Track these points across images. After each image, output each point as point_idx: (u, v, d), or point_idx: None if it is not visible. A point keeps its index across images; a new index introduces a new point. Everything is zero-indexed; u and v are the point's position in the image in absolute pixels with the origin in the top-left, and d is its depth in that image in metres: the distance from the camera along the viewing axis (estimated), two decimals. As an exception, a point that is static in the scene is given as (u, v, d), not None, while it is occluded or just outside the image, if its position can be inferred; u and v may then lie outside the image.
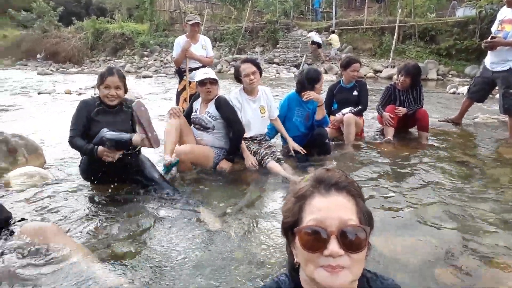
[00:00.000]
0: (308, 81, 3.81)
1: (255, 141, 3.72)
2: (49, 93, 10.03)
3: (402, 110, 4.47)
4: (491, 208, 2.65)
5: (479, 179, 3.25)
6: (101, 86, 2.88)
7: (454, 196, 2.86)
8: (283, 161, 3.59)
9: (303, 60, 16.52)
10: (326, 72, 15.61)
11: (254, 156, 3.56)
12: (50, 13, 24.53)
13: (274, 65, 17.13)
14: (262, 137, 3.80)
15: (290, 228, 0.92)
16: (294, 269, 0.95)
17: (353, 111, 4.38)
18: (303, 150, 3.83)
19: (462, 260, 2.00)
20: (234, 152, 3.55)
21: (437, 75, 13.96)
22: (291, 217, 0.92)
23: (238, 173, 3.45)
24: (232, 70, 17.10)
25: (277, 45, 18.87)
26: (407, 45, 16.22)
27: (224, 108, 3.45)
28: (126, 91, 3.02)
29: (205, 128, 3.52)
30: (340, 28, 18.44)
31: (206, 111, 3.51)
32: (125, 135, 2.66)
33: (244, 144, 3.56)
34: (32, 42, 24.00)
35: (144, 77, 15.51)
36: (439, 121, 5.53)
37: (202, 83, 3.42)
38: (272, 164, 3.43)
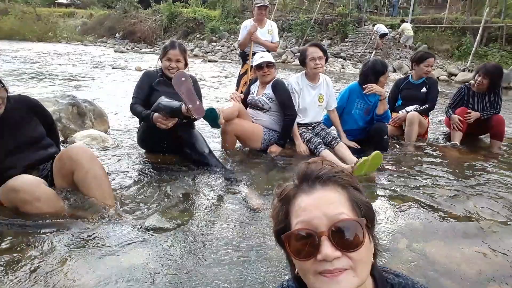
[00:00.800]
0: (373, 72, 3.60)
1: (309, 128, 3.65)
2: (122, 69, 10.74)
3: (474, 115, 4.07)
4: None
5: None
6: (163, 59, 3.01)
7: None
8: (338, 140, 3.54)
9: (372, 56, 15.82)
10: (394, 71, 14.86)
11: (307, 144, 3.48)
12: (132, -6, 26.06)
13: (340, 60, 16.66)
14: (317, 124, 3.72)
15: (281, 238, 0.80)
16: (297, 280, 0.82)
17: (418, 109, 4.09)
18: (356, 145, 3.69)
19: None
20: (285, 137, 3.52)
21: (523, 84, 12.61)
22: (279, 224, 0.81)
23: (288, 159, 3.40)
24: (297, 61, 16.98)
25: (346, 39, 18.26)
26: (491, 48, 14.80)
27: (280, 91, 3.45)
28: (186, 64, 3.11)
29: (261, 109, 3.54)
30: (416, 25, 17.35)
31: (263, 93, 3.52)
32: (176, 103, 2.70)
33: (297, 131, 3.50)
34: (113, 22, 25.78)
35: (210, 61, 15.95)
36: (517, 131, 4.99)
37: (259, 66, 3.46)
38: (325, 153, 3.33)
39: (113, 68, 10.88)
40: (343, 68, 15.33)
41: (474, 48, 14.60)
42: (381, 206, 2.53)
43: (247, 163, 3.26)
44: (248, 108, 3.65)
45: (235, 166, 3.17)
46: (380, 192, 2.81)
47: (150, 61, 14.11)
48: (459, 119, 4.07)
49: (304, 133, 3.54)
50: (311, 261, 0.72)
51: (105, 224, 2.00)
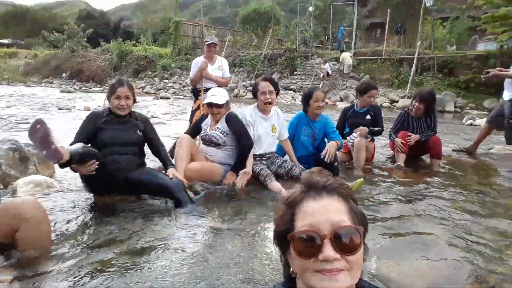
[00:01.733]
0: (303, 98, 3.98)
1: (264, 159, 3.72)
2: (69, 109, 10.37)
3: (414, 138, 4.39)
4: (503, 236, 2.53)
5: (490, 208, 3.13)
6: (112, 97, 2.96)
7: (463, 223, 2.75)
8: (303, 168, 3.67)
9: (320, 87, 16.61)
10: (341, 100, 15.68)
11: (258, 176, 3.52)
12: (80, 35, 25.73)
13: (290, 92, 17.34)
14: (272, 154, 3.80)
15: (283, 237, 0.89)
16: (290, 280, 0.93)
17: (368, 137, 4.33)
18: None
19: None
20: (241, 165, 3.49)
21: (455, 107, 13.81)
22: (283, 225, 0.90)
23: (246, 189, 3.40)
24: (249, 95, 17.42)
25: (295, 72, 19.14)
26: (425, 76, 16.18)
27: (234, 122, 3.49)
28: (135, 101, 3.08)
29: (216, 145, 3.54)
30: (359, 58, 18.62)
31: (216, 127, 3.54)
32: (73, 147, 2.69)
33: (249, 162, 3.52)
34: (59, 61, 25.16)
35: (162, 98, 15.91)
36: (453, 150, 5.42)
37: (209, 105, 3.51)
38: (272, 185, 3.36)
39: (59, 109, 10.46)
40: (293, 99, 15.93)
41: (411, 77, 15.90)
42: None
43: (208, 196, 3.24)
44: (201, 145, 3.67)
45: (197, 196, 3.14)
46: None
47: (99, 100, 13.79)
48: (401, 142, 4.36)
49: (255, 166, 3.57)
50: (312, 260, 0.82)
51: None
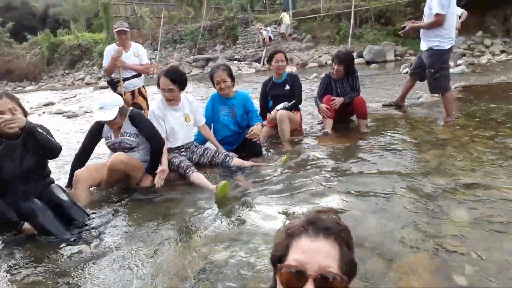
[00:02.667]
0: (210, 77, 3.86)
1: (182, 150, 3.56)
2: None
3: (338, 101, 4.36)
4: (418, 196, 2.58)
5: (409, 165, 3.19)
6: None
7: (391, 182, 2.82)
8: (231, 156, 3.56)
9: (264, 54, 16.38)
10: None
11: (178, 170, 3.37)
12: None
13: (235, 62, 16.94)
14: (190, 144, 3.64)
15: (276, 261, 0.96)
16: None
17: (287, 106, 4.25)
18: (234, 155, 3.69)
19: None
20: (155, 166, 3.31)
21: (395, 55, 14.08)
22: (279, 252, 0.96)
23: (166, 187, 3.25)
24: (194, 71, 16.87)
25: (237, 41, 18.66)
26: (364, 29, 16.29)
27: (141, 124, 3.24)
28: (26, 113, 2.69)
29: (129, 149, 3.27)
30: (298, 18, 18.38)
31: (123, 132, 3.26)
32: None
33: (164, 159, 3.31)
34: (-17, 63, 22.95)
35: (102, 87, 15.01)
36: (382, 105, 5.49)
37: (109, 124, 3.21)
38: (194, 177, 3.22)
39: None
40: (239, 70, 15.59)
41: (351, 31, 15.96)
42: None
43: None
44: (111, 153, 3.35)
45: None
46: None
47: (34, 100, 12.80)
48: (326, 107, 4.32)
49: (173, 159, 3.41)
50: None
51: None
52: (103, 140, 3.38)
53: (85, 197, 3.00)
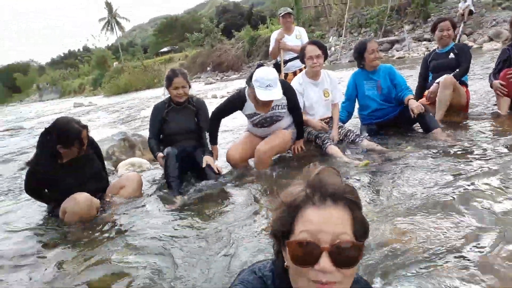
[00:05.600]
0: (356, 54, 3.69)
1: (320, 124, 3.64)
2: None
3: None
4: None
5: None
6: (170, 88, 3.39)
7: None
8: (362, 137, 3.48)
9: (460, 30, 14.09)
10: (490, 40, 13.02)
11: (315, 140, 3.49)
12: (215, 30, 28.38)
13: (424, 42, 15.26)
14: (329, 119, 3.70)
15: (280, 236, 0.88)
16: (283, 271, 0.90)
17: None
18: (336, 139, 3.55)
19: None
20: (302, 132, 3.51)
21: None
22: (282, 226, 0.87)
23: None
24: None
25: (428, 19, 16.68)
26: None
27: (291, 91, 3.30)
28: (190, 86, 3.46)
29: (278, 121, 3.34)
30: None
31: (274, 106, 3.23)
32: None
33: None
34: (203, 58, 28.34)
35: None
36: None
37: (266, 102, 3.13)
38: (331, 149, 3.30)
39: (195, 99, 11.99)
40: (428, 50, 14.00)
41: None
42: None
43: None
44: (252, 127, 3.47)
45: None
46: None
47: (232, 86, 15.07)
48: (501, 83, 3.54)
49: (312, 130, 3.55)
50: (308, 268, 0.80)
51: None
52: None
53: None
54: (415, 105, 3.38)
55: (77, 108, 18.34)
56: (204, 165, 3.19)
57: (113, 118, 10.58)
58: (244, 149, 3.41)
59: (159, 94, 19.76)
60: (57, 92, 51.32)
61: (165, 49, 46.68)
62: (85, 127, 2.72)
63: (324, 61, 3.56)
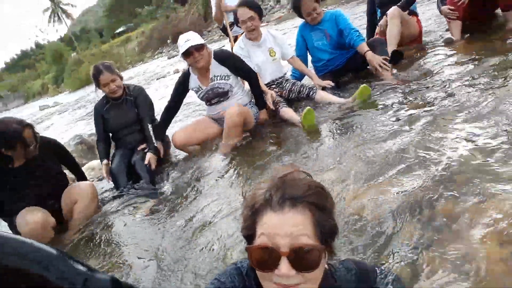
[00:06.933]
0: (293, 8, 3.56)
1: (273, 86, 3.48)
2: (164, 77, 11.36)
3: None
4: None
5: None
6: (100, 87, 3.16)
7: None
8: (315, 89, 3.31)
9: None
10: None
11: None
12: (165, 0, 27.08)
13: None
14: (281, 79, 3.53)
15: (247, 240, 0.88)
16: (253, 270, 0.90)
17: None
18: (331, 83, 3.40)
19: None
20: (262, 100, 3.25)
21: None
22: (246, 230, 0.87)
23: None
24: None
25: None
26: None
27: (228, 58, 3.15)
28: (121, 78, 3.22)
29: (223, 95, 3.19)
30: None
31: (212, 77, 3.13)
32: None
33: (263, 86, 3.30)
34: (160, 32, 27.24)
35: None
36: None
37: (187, 53, 2.96)
38: (283, 112, 3.16)
39: (157, 79, 11.57)
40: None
41: None
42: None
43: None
44: (207, 106, 3.35)
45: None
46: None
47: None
48: (450, 8, 3.39)
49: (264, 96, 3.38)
50: (269, 272, 0.80)
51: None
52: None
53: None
54: (376, 62, 3.20)
55: (44, 111, 17.66)
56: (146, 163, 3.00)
57: (78, 117, 10.17)
58: (189, 132, 3.25)
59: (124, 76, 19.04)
60: (20, 97, 49.21)
61: (121, 29, 44.47)
62: (28, 125, 2.50)
63: (260, 19, 3.33)
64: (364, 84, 2.92)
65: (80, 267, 1.03)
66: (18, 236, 1.03)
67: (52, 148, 2.78)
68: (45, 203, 2.61)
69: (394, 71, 3.30)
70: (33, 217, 2.46)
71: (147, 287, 1.73)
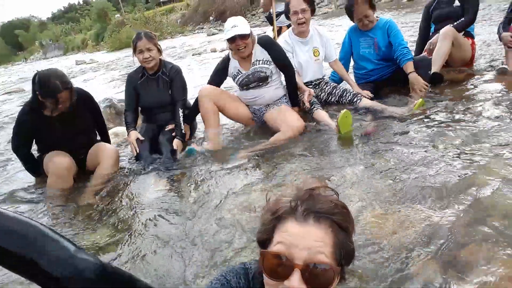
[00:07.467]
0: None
1: (310, 86, 3.39)
2: (199, 54, 11.34)
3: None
4: None
5: None
6: (136, 53, 3.13)
7: None
8: (359, 96, 3.21)
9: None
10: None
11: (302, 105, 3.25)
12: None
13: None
14: (320, 80, 3.44)
15: (261, 244, 0.86)
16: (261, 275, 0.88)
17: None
18: (369, 94, 3.27)
19: None
20: (296, 98, 3.20)
21: None
22: (264, 234, 0.85)
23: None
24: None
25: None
26: None
27: (273, 45, 3.07)
28: (159, 50, 3.17)
29: (264, 80, 3.07)
30: None
31: (254, 61, 3.03)
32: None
33: (300, 81, 3.21)
34: (205, 7, 27.12)
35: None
36: None
37: (232, 39, 2.90)
38: (317, 114, 3.07)
39: (193, 55, 11.56)
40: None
41: None
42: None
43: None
44: (241, 91, 3.25)
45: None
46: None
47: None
48: (511, 36, 3.18)
49: (301, 95, 3.29)
50: (278, 282, 0.77)
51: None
52: None
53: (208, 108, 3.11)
54: (417, 86, 3.14)
55: (79, 66, 18.02)
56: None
57: (110, 79, 10.32)
58: (222, 92, 3.19)
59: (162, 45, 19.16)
60: (60, 48, 50.44)
61: (165, -1, 44.74)
62: (68, 88, 2.54)
63: (312, 14, 3.22)
64: (346, 110, 2.72)
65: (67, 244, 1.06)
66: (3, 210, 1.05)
67: (88, 103, 2.89)
68: (74, 151, 2.79)
69: (431, 94, 3.16)
70: (60, 159, 2.66)
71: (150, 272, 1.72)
